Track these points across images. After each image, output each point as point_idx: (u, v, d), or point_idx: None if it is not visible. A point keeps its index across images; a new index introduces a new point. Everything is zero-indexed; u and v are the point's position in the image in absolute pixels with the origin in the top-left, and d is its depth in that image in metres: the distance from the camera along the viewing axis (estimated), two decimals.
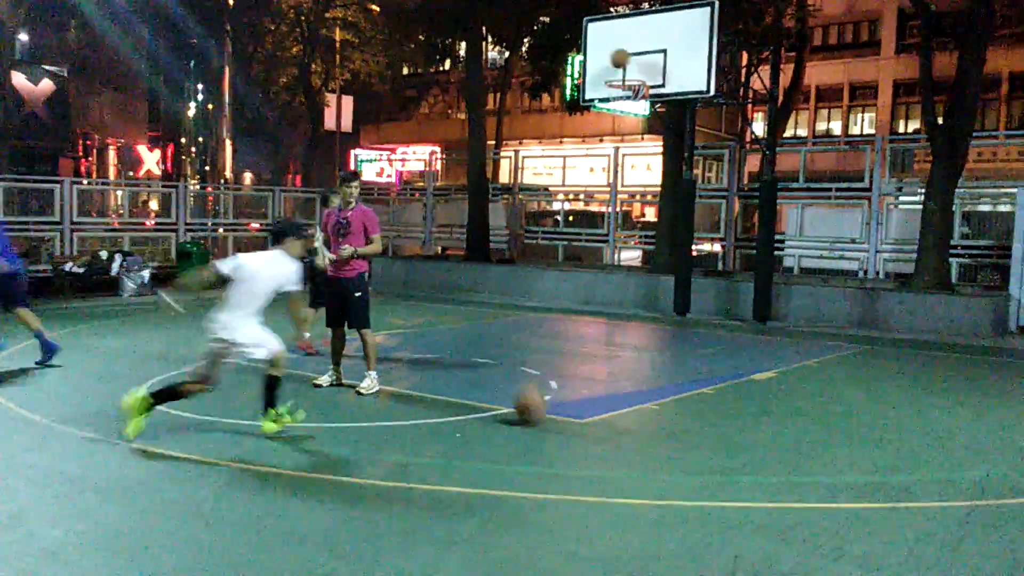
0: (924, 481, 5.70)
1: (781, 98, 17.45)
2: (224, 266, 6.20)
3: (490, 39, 24.64)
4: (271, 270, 6.31)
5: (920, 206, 14.07)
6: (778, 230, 15.78)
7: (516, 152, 22.40)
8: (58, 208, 16.61)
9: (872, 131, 31.44)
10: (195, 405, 7.24)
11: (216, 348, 6.19)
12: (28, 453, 5.90)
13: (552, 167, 31.53)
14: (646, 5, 17.59)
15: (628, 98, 13.34)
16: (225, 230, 20.45)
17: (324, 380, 8.13)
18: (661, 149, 17.38)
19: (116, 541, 4.40)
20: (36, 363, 8.88)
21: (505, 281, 17.79)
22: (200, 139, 39.44)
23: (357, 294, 7.86)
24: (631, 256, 19.77)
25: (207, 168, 38.18)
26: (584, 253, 19.75)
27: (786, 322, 13.92)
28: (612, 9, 17.40)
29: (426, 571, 4.07)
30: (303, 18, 31.38)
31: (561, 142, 34.25)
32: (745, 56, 18.71)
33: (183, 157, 40.31)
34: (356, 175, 8.21)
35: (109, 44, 31.99)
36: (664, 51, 12.79)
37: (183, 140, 40.30)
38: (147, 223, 21.19)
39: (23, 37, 30.51)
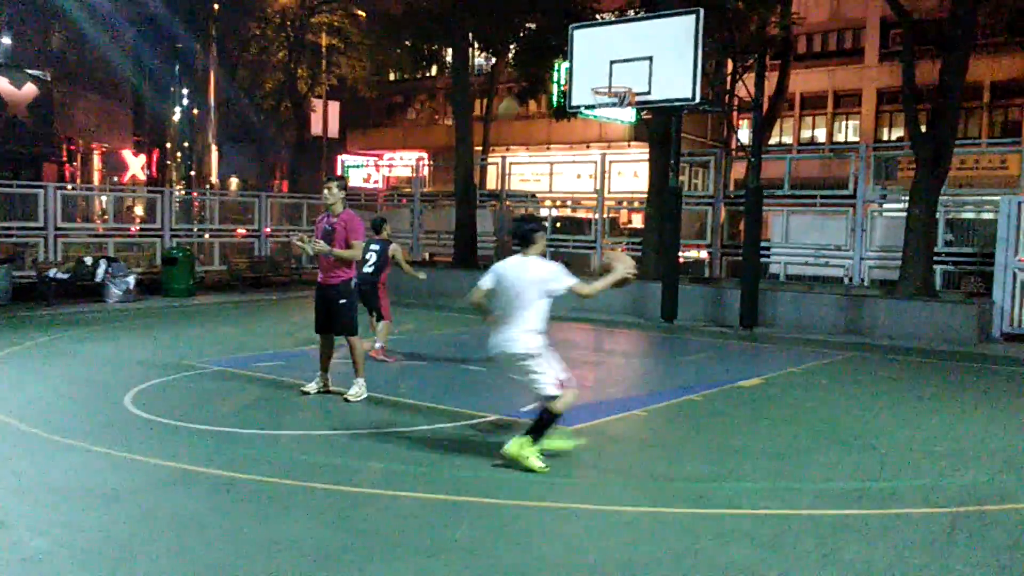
0: (909, 487, 5.73)
1: (766, 106, 17.56)
2: (484, 280, 5.99)
3: (476, 45, 24.68)
4: (528, 273, 5.84)
5: (904, 213, 14.18)
6: (764, 237, 15.85)
7: (503, 158, 22.44)
8: (42, 214, 16.49)
9: (856, 139, 31.67)
10: (181, 413, 7.20)
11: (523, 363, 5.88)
12: (11, 461, 5.85)
13: (539, 174, 31.66)
14: (632, 12, 17.68)
15: (614, 105, 13.38)
16: (211, 236, 20.37)
17: (312, 387, 8.10)
18: (647, 156, 17.44)
19: (101, 550, 4.36)
20: None
21: None
22: (186, 144, 39.22)
23: (341, 301, 7.86)
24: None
25: (193, 173, 37.95)
26: (571, 259, 19.74)
27: (772, 329, 13.99)
28: (598, 16, 17.50)
29: None
30: (289, 23, 31.32)
31: (548, 149, 34.33)
32: (730, 64, 18.84)
33: (168, 162, 40.04)
34: (338, 178, 8.21)
35: (93, 48, 31.83)
36: (650, 58, 12.85)
37: (168, 145, 40.06)
38: (132, 229, 21.07)
39: (6, 40, 30.31)
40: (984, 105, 29.79)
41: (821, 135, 33.87)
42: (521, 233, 6.06)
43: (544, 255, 6.06)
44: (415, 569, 4.17)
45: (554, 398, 5.84)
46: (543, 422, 5.86)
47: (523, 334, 5.84)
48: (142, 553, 4.30)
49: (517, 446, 5.81)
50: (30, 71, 29.97)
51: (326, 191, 7.89)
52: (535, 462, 5.78)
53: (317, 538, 4.55)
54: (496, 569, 4.23)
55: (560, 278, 5.85)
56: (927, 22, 15.29)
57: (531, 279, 5.85)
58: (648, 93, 12.92)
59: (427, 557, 4.32)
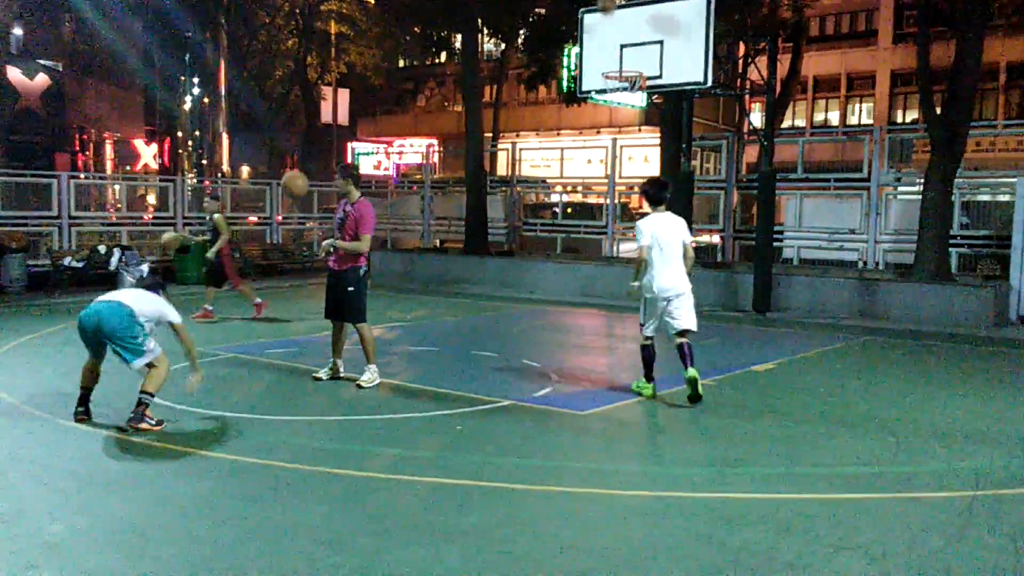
0: (925, 471, 5.70)
1: (779, 89, 17.41)
2: (642, 239, 7.27)
3: (486, 31, 24.57)
4: (678, 226, 7.39)
5: (919, 196, 14.05)
6: (777, 221, 15.76)
7: (513, 144, 22.35)
8: (56, 203, 16.57)
9: (870, 121, 31.42)
10: (193, 399, 7.23)
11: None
12: (29, 448, 5.89)
13: (549, 159, 31.59)
14: None
15: (625, 89, 13.29)
16: None
17: (324, 373, 8.13)
18: (659, 141, 17.35)
19: (118, 535, 4.40)
20: None
21: (503, 274, 17.77)
22: (197, 133, 39.30)
23: (349, 289, 7.85)
24: (630, 248, 19.74)
25: (204, 162, 38.03)
26: (582, 245, 19.73)
27: (786, 313, 13.91)
28: None
29: (427, 564, 4.07)
30: (298, 11, 31.29)
31: (558, 134, 34.22)
32: (742, 47, 18.70)
33: (180, 151, 40.14)
34: (343, 167, 8.17)
35: (104, 38, 31.88)
36: (661, 42, 12.75)
37: (180, 134, 40.14)
38: (145, 217, 21.15)
39: (18, 32, 30.38)
40: (1000, 86, 29.48)
41: (834, 118, 33.61)
42: (661, 194, 7.49)
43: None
44: (428, 554, 4.18)
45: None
46: (692, 352, 7.24)
47: (685, 275, 7.33)
48: (158, 539, 4.33)
49: (696, 372, 7.15)
50: (42, 62, 30.08)
51: (340, 182, 7.98)
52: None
53: (330, 523, 4.56)
54: (509, 553, 4.23)
55: (688, 231, 7.48)
56: (942, 3, 15.07)
57: (680, 229, 7.37)
58: (659, 77, 12.82)
59: (440, 542, 4.33)
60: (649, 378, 7.56)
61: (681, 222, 7.51)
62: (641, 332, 7.61)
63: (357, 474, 5.41)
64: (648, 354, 7.52)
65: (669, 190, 7.57)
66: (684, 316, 7.33)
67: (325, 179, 23.12)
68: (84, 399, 6.48)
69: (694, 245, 7.51)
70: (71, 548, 4.22)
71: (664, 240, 7.30)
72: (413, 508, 4.82)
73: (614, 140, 19.46)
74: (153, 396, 6.28)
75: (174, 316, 6.52)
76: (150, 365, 6.27)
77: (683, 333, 7.31)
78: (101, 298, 6.47)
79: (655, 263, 7.28)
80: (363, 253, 7.87)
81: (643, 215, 7.78)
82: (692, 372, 7.14)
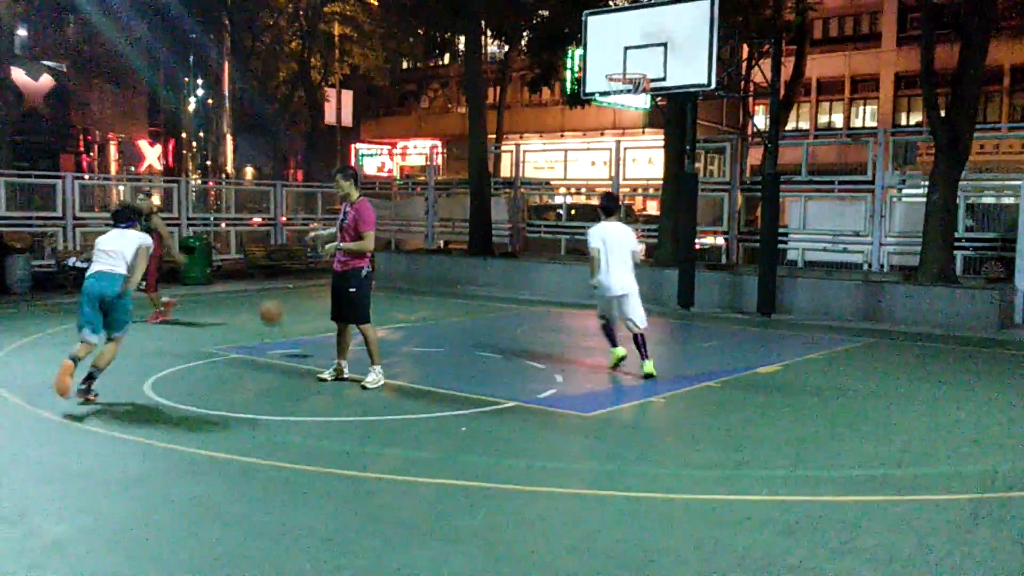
0: (931, 474, 5.69)
1: (782, 91, 17.39)
2: (593, 242, 8.48)
3: (489, 33, 24.58)
4: (625, 233, 8.59)
5: (923, 199, 14.03)
6: (781, 223, 15.73)
7: (517, 146, 22.36)
8: (60, 203, 16.60)
9: (874, 124, 31.40)
10: (199, 399, 7.24)
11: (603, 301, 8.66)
12: (33, 448, 5.90)
13: (553, 161, 31.53)
14: None
15: (629, 92, 13.29)
16: (227, 224, 20.45)
17: (328, 374, 8.12)
18: (662, 143, 17.33)
19: (121, 535, 4.39)
20: None
21: (507, 275, 17.77)
22: (201, 134, 39.38)
23: (351, 290, 7.84)
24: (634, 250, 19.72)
25: (208, 163, 38.11)
26: (586, 247, 19.71)
27: (790, 315, 13.89)
28: (612, 2, 17.37)
29: (432, 566, 4.06)
30: (302, 13, 31.31)
31: (562, 136, 34.22)
32: (746, 49, 18.69)
33: (184, 152, 40.20)
34: (341, 169, 8.18)
35: (108, 39, 31.95)
36: (664, 44, 12.74)
37: (184, 135, 40.20)
38: None
39: (22, 33, 30.43)
40: (1004, 89, 29.43)
41: (838, 120, 33.59)
42: (612, 205, 8.93)
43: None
44: (433, 555, 4.17)
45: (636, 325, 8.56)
46: (645, 342, 8.53)
47: (632, 277, 8.50)
48: (162, 539, 4.33)
49: (651, 365, 8.44)
50: (46, 63, 30.14)
51: (335, 184, 8.00)
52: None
53: (334, 524, 4.56)
54: (514, 555, 4.22)
55: (635, 239, 8.67)
56: (946, 5, 15.07)
57: (627, 237, 8.51)
58: (663, 79, 12.81)
59: (445, 543, 4.32)
60: (614, 344, 8.86)
61: (628, 231, 8.80)
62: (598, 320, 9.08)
63: (361, 475, 5.40)
64: (606, 331, 8.91)
65: (620, 203, 9.05)
66: (634, 314, 8.54)
67: (328, 181, 23.11)
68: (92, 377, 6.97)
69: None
70: (74, 548, 4.21)
71: (611, 245, 8.43)
72: (418, 509, 4.81)
73: (618, 142, 19.44)
74: (102, 371, 7.06)
75: (148, 240, 7.41)
76: (112, 339, 7.15)
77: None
78: (103, 268, 7.20)
79: (603, 266, 8.45)
80: (367, 252, 7.86)
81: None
82: (649, 367, 8.42)
